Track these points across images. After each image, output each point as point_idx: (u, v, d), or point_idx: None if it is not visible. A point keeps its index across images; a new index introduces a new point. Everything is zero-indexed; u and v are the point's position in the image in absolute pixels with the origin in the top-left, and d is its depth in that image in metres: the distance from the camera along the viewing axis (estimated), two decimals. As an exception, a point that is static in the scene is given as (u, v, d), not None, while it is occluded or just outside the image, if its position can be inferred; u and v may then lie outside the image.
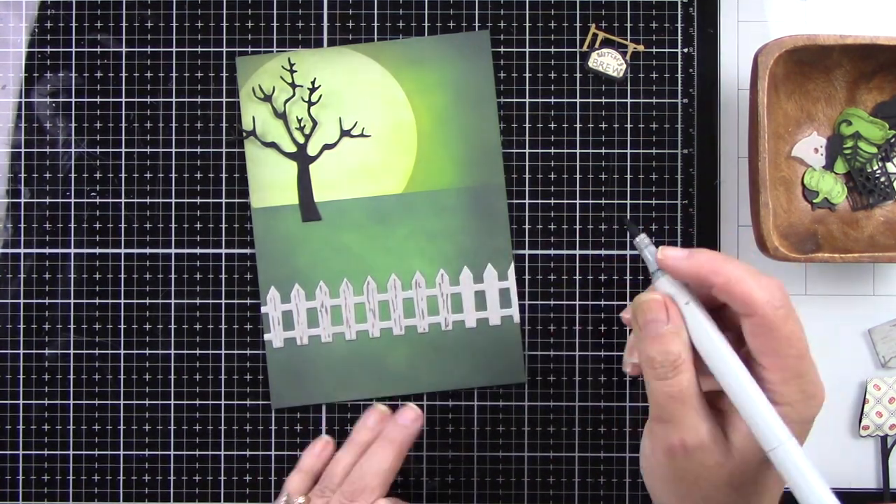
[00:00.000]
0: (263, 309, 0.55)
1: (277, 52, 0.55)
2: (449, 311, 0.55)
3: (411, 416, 0.51)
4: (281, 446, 0.55)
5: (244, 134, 0.55)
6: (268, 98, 0.55)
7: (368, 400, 0.55)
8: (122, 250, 0.55)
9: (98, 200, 0.55)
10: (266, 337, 0.55)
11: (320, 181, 0.55)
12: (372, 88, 0.55)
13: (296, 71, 0.55)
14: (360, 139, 0.55)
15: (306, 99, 0.55)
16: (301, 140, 0.55)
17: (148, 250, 0.55)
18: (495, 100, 0.55)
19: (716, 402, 0.39)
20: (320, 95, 0.55)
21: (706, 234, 0.56)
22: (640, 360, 0.40)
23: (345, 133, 0.55)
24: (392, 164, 0.55)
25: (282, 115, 0.55)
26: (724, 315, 0.40)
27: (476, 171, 0.55)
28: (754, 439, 0.37)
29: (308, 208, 0.55)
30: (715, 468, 0.38)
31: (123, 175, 0.56)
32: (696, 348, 0.39)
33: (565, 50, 0.56)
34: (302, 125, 0.55)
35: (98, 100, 0.56)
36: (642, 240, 0.41)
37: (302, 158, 0.55)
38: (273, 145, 0.55)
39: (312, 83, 0.55)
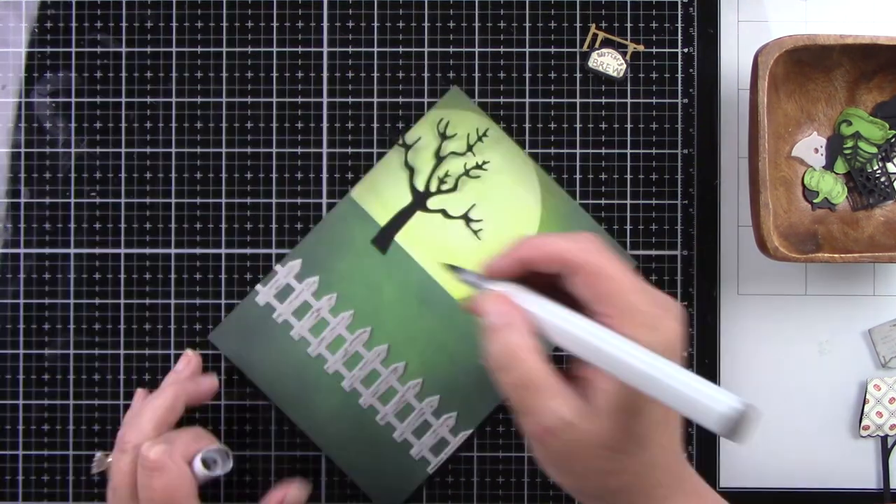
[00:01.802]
0: (276, 267, 0.55)
1: (490, 114, 0.55)
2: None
3: (182, 363, 0.52)
4: (281, 446, 0.55)
5: (400, 141, 0.55)
6: (444, 137, 0.55)
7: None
8: (122, 250, 0.55)
9: (98, 200, 0.55)
10: (257, 287, 0.55)
11: (411, 229, 0.55)
12: (520, 211, 0.55)
13: (485, 138, 0.55)
14: (468, 233, 0.55)
15: (469, 167, 0.55)
16: (433, 188, 0.55)
17: (148, 250, 0.55)
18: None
19: (576, 373, 0.39)
20: (483, 172, 0.55)
21: (706, 234, 0.56)
22: (484, 359, 0.40)
23: (465, 218, 0.55)
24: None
25: (440, 158, 0.55)
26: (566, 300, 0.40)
27: None
28: (616, 394, 0.37)
29: (383, 238, 0.55)
30: (586, 437, 0.38)
31: (123, 175, 0.56)
32: (545, 333, 0.39)
33: (565, 50, 0.56)
34: (444, 180, 0.55)
35: (98, 100, 0.56)
36: (465, 274, 0.42)
37: (419, 200, 0.55)
38: (410, 169, 0.55)
39: (483, 164, 0.55)
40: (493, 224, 0.55)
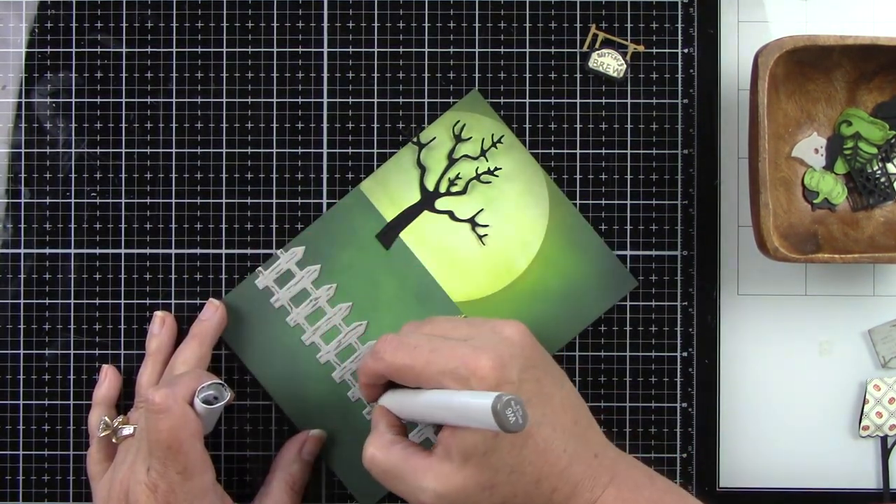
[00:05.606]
0: (278, 252, 0.55)
1: (502, 115, 0.55)
2: None
3: (210, 310, 0.54)
4: (280, 446, 0.55)
5: (414, 139, 0.55)
6: (459, 139, 0.55)
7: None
8: (122, 250, 0.55)
9: (98, 200, 0.56)
10: (258, 269, 0.55)
11: (417, 227, 0.55)
12: (527, 220, 0.55)
13: (499, 145, 0.55)
14: (473, 237, 0.55)
15: (480, 171, 0.55)
16: (443, 189, 0.55)
17: (148, 250, 0.55)
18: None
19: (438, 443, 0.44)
20: (494, 178, 0.55)
21: (706, 235, 0.56)
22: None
23: (471, 222, 0.55)
24: (470, 278, 0.55)
25: (453, 159, 0.55)
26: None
27: None
28: (460, 441, 0.41)
29: (388, 234, 0.55)
30: (462, 491, 0.42)
31: (123, 175, 0.56)
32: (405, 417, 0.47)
33: (565, 50, 0.56)
34: (454, 182, 0.55)
35: (98, 100, 0.56)
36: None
37: (427, 199, 0.55)
38: (422, 168, 0.55)
39: (495, 170, 0.55)
40: (499, 231, 0.55)
